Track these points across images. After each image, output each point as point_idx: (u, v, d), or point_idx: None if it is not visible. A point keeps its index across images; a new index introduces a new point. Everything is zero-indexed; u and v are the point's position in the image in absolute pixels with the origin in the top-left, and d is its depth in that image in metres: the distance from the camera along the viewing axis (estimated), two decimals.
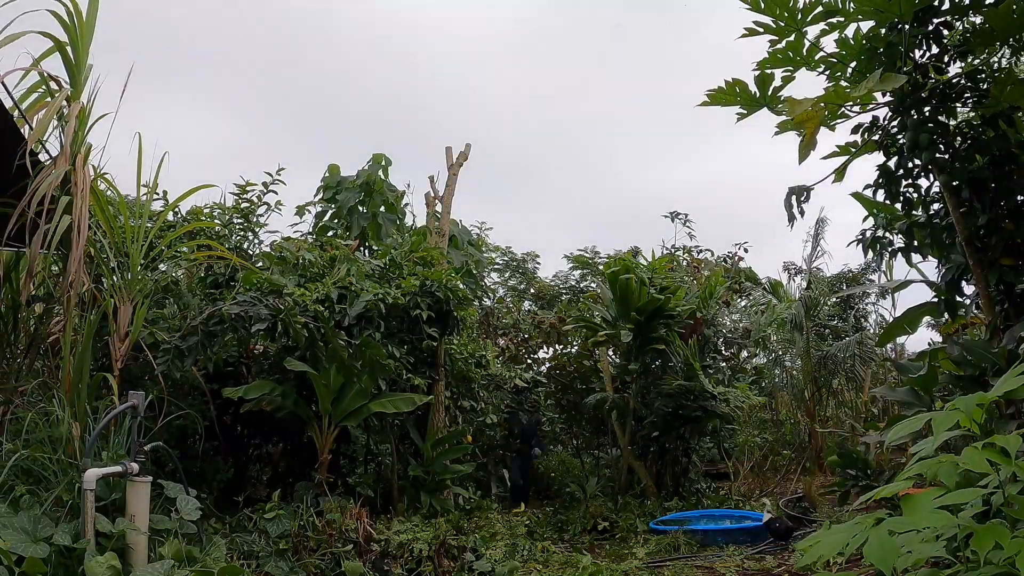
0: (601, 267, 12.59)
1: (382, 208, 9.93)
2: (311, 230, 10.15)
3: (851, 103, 5.20)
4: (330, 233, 9.87)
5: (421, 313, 7.58)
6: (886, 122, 5.32)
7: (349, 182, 9.80)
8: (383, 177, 9.96)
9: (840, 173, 5.47)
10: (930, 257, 5.73)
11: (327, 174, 10.02)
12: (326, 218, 9.93)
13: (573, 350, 11.49)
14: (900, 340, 13.32)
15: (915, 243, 5.63)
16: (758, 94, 5.36)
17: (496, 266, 16.33)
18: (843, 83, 5.33)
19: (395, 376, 7.50)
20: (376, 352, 7.03)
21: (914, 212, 5.59)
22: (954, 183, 5.05)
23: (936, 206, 5.50)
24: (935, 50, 5.04)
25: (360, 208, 9.72)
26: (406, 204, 10.32)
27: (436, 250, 8.59)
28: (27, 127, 5.23)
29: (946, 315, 5.75)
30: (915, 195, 5.47)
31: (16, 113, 5.14)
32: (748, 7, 4.93)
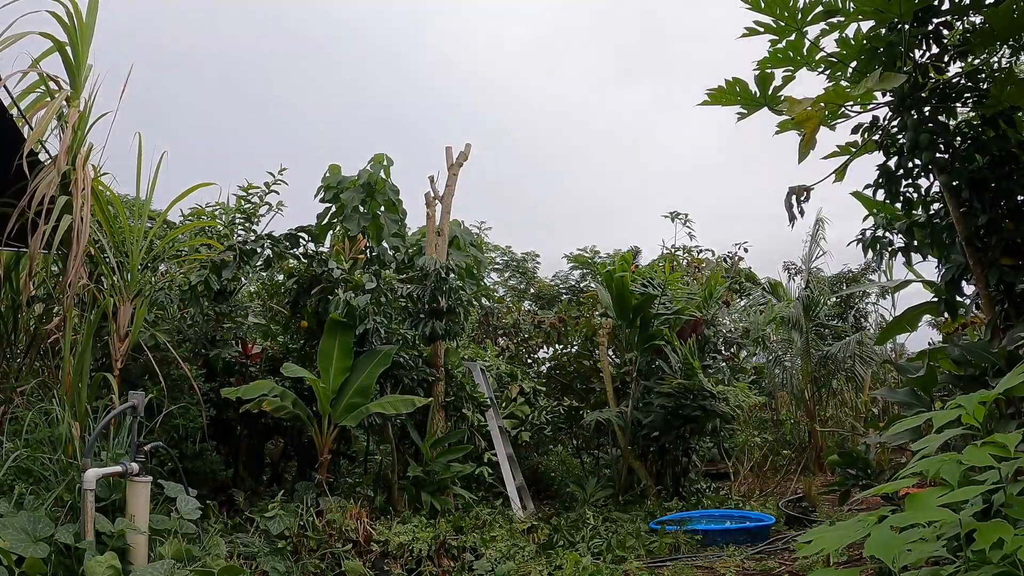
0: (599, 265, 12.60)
1: (383, 208, 9.92)
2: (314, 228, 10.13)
3: (851, 103, 5.20)
4: (329, 235, 9.87)
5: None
6: (886, 122, 5.32)
7: (350, 182, 9.79)
8: (384, 177, 9.95)
9: (840, 173, 5.47)
10: (930, 257, 5.73)
11: (328, 174, 10.01)
12: (327, 218, 9.92)
13: (573, 350, 11.49)
14: (900, 340, 13.35)
15: (915, 243, 5.63)
16: (758, 93, 5.36)
17: (496, 266, 16.38)
18: (843, 83, 5.33)
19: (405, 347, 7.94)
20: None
21: (914, 212, 5.59)
22: (954, 183, 5.05)
23: (936, 206, 5.50)
24: (935, 50, 5.03)
25: (361, 208, 9.71)
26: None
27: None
28: (27, 127, 5.23)
29: (946, 314, 5.75)
30: (915, 195, 5.46)
31: (15, 113, 5.14)
32: (748, 7, 4.92)
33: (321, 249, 8.70)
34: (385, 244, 9.81)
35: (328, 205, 9.92)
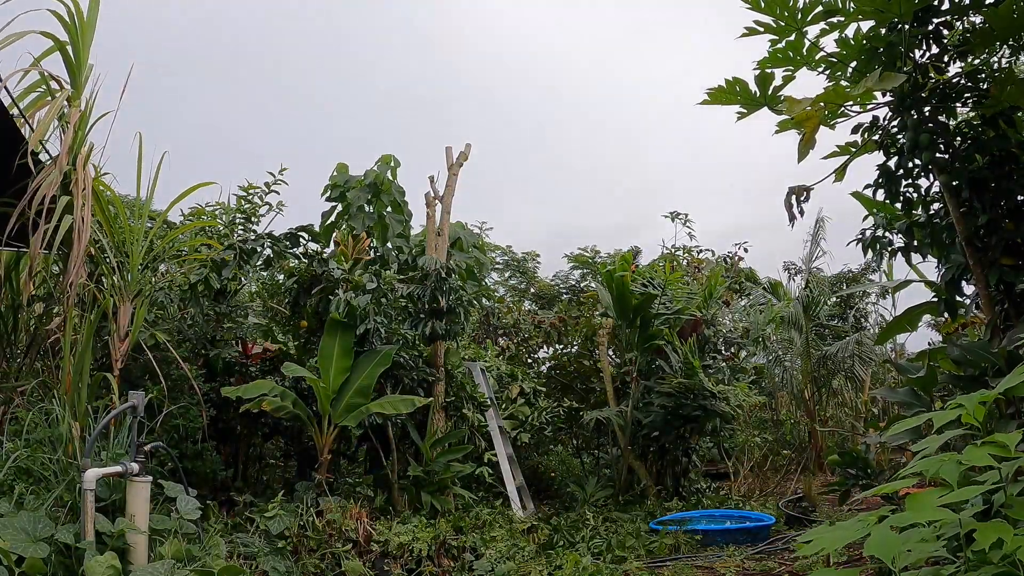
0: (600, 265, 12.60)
1: (389, 209, 9.93)
2: (317, 228, 10.13)
3: (851, 102, 5.20)
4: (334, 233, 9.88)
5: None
6: (886, 122, 5.32)
7: (356, 181, 9.80)
8: (391, 178, 9.96)
9: (840, 173, 5.47)
10: (930, 257, 5.73)
11: (335, 173, 10.02)
12: (332, 217, 9.93)
13: (573, 350, 11.49)
14: (900, 340, 13.34)
15: (915, 243, 5.63)
16: (758, 93, 5.36)
17: (496, 266, 16.37)
18: (843, 82, 5.33)
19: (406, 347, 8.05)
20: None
21: (914, 212, 5.59)
22: (954, 183, 5.05)
23: (936, 206, 5.50)
24: (935, 50, 5.03)
25: (367, 208, 9.71)
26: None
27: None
28: (27, 127, 5.23)
29: (946, 315, 5.75)
30: (915, 195, 5.47)
31: (16, 112, 5.14)
32: (748, 6, 4.93)
33: (322, 249, 8.71)
34: (389, 244, 9.83)
35: (334, 204, 9.94)
